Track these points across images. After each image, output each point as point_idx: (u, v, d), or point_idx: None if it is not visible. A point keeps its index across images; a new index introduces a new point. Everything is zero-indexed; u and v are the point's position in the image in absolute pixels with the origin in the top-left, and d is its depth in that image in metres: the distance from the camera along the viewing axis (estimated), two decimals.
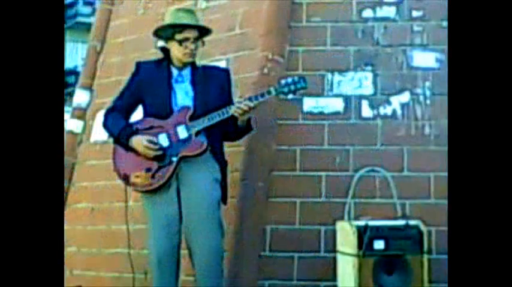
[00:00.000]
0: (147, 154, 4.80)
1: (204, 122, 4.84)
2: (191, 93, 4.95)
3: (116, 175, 4.93)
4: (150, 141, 4.80)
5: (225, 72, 5.17)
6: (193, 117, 4.86)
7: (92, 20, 9.53)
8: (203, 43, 5.05)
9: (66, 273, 6.24)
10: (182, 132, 4.85)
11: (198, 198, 4.77)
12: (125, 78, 5.18)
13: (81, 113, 6.95)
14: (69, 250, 6.34)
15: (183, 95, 4.94)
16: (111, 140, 5.05)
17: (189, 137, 4.84)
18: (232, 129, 4.96)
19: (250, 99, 4.86)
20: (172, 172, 4.80)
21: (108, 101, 6.50)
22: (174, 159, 4.80)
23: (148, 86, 4.96)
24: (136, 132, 4.85)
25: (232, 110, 4.83)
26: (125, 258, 5.33)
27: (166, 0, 6.69)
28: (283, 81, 4.95)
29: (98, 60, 7.12)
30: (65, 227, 6.21)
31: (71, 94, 7.44)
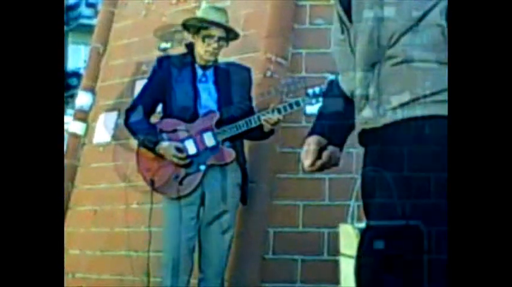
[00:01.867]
0: (175, 161, 4.78)
1: (231, 131, 4.81)
2: (214, 93, 4.92)
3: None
4: (178, 150, 4.78)
5: (247, 70, 5.13)
6: (219, 122, 4.84)
7: (94, 22, 9.50)
8: (227, 44, 5.01)
9: (69, 276, 6.23)
10: (209, 140, 4.82)
11: (220, 204, 4.78)
12: (128, 80, 5.19)
13: (83, 115, 6.95)
14: (71, 252, 6.34)
15: (206, 95, 4.91)
16: (113, 142, 5.05)
17: (217, 145, 4.82)
18: (258, 134, 4.95)
19: (279, 110, 4.83)
20: (200, 180, 4.79)
21: (111, 103, 6.52)
22: (202, 167, 4.79)
23: (171, 84, 4.92)
24: (163, 138, 4.82)
25: (262, 121, 4.81)
26: (128, 260, 5.33)
27: (169, 2, 6.68)
28: (310, 92, 4.92)
29: (101, 62, 7.12)
30: (68, 229, 6.21)
31: (73, 96, 7.44)
